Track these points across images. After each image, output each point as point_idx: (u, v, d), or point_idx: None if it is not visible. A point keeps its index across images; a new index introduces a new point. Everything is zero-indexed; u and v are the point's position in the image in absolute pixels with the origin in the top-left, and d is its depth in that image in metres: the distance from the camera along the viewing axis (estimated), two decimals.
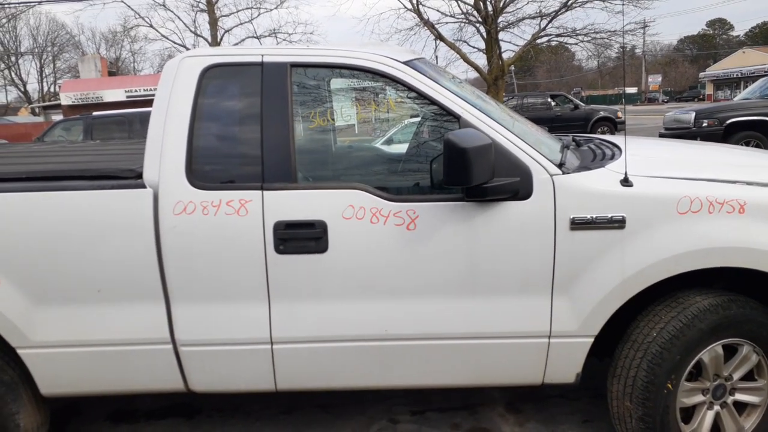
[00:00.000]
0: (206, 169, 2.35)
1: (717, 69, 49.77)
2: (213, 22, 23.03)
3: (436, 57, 20.83)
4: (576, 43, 20.62)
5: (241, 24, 25.33)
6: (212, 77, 2.41)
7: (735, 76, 45.23)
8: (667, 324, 2.28)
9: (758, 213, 2.25)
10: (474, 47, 21.04)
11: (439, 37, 19.59)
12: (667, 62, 65.97)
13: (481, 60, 20.82)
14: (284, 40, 23.67)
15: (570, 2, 18.51)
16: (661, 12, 74.83)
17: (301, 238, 2.30)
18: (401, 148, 3.32)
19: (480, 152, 2.09)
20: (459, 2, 19.29)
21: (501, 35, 19.67)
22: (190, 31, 23.83)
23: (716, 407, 2.41)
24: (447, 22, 20.20)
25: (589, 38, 19.82)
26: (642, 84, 60.53)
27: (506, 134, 2.33)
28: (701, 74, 53.79)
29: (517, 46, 20.43)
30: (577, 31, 19.43)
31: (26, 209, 2.31)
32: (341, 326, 2.36)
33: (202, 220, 2.30)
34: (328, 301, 2.34)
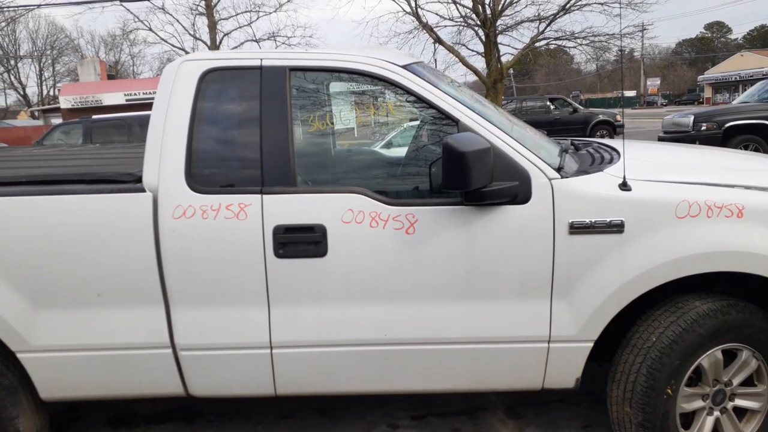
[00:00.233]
0: (206, 173, 2.35)
1: (715, 72, 49.88)
2: (212, 26, 23.03)
3: (435, 60, 20.86)
4: (574, 47, 20.62)
5: (240, 27, 25.39)
6: (211, 81, 2.41)
7: (733, 79, 45.30)
8: (666, 329, 2.28)
9: (756, 217, 2.25)
10: (473, 50, 21.11)
11: (438, 40, 19.59)
12: (665, 65, 66.04)
13: (480, 63, 20.88)
14: (283, 43, 23.67)
15: (568, 5, 18.54)
16: (659, 15, 75.18)
17: (300, 242, 2.30)
18: (400, 152, 3.32)
19: (479, 156, 2.10)
20: (458, 5, 19.31)
21: (500, 38, 19.67)
22: (189, 34, 23.83)
23: (716, 413, 2.40)
24: (446, 26, 20.23)
25: (588, 41, 19.82)
26: (641, 87, 60.56)
27: (505, 138, 2.33)
28: (700, 77, 53.91)
29: (516, 49, 20.45)
30: (576, 35, 19.44)
31: (26, 213, 2.30)
32: (341, 330, 2.36)
33: (201, 224, 2.29)
34: (327, 305, 2.34)
